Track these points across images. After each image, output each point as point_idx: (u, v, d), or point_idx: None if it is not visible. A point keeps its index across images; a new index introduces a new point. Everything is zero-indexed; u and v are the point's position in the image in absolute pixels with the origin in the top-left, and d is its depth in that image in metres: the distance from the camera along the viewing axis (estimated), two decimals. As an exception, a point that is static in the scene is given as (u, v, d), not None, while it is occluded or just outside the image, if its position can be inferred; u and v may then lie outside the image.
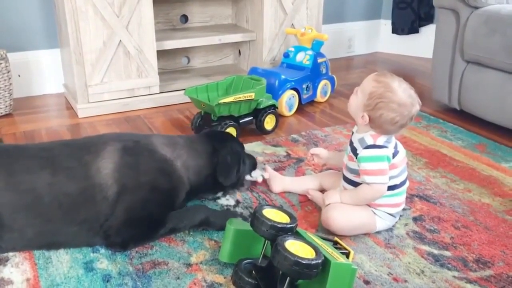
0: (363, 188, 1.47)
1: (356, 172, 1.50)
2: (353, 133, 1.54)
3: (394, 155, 1.46)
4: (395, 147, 1.48)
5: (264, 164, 1.93)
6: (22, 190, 1.35)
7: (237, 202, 1.68)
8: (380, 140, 1.45)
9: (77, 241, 1.41)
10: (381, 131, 1.45)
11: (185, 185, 1.53)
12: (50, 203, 1.35)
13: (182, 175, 1.53)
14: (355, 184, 1.52)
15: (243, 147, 1.75)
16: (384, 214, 1.51)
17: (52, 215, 1.35)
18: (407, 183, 1.55)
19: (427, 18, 3.52)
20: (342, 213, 1.47)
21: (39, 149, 1.47)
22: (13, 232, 1.35)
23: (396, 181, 1.49)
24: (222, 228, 1.44)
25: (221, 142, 1.65)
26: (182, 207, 1.57)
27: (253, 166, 1.76)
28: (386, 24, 3.74)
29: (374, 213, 1.50)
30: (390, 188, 1.48)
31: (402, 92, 1.42)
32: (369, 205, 1.50)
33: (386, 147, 1.45)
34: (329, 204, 1.51)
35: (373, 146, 1.44)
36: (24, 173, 1.37)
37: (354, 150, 1.49)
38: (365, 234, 1.51)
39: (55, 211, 1.36)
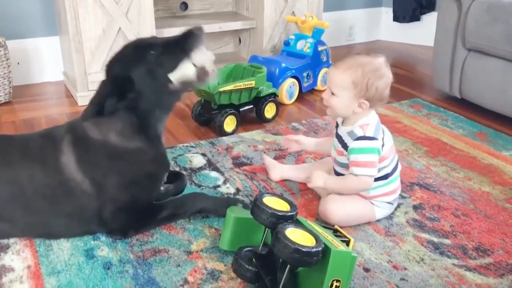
0: (349, 178, 1.45)
1: (345, 166, 1.48)
2: (337, 125, 1.52)
3: (382, 147, 1.45)
4: (383, 138, 1.46)
5: (265, 152, 1.94)
6: (6, 181, 1.35)
7: (237, 190, 1.68)
8: (370, 131, 1.43)
9: (72, 232, 1.41)
10: (381, 103, 1.46)
11: (137, 150, 1.41)
12: (33, 196, 1.35)
13: (124, 145, 1.40)
14: None
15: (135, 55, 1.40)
16: (382, 203, 1.51)
17: (38, 207, 1.36)
18: (399, 167, 1.54)
19: (429, 5, 3.49)
20: (340, 206, 1.46)
21: (20, 140, 1.45)
22: (5, 222, 1.36)
23: (388, 170, 1.48)
24: (222, 215, 1.44)
25: (117, 82, 1.37)
26: (183, 181, 1.60)
27: (188, 41, 1.39)
28: (387, 12, 3.71)
29: (372, 203, 1.50)
30: (383, 177, 1.47)
31: (371, 58, 1.44)
32: (365, 197, 1.49)
33: (376, 138, 1.43)
34: (314, 186, 1.51)
35: (364, 138, 1.43)
36: (7, 165, 1.37)
37: (344, 144, 1.46)
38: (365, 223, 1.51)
39: (40, 203, 1.35)
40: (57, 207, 1.37)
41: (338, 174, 1.53)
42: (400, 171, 1.55)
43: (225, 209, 1.37)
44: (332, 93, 1.44)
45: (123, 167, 1.41)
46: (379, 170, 1.45)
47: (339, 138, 1.49)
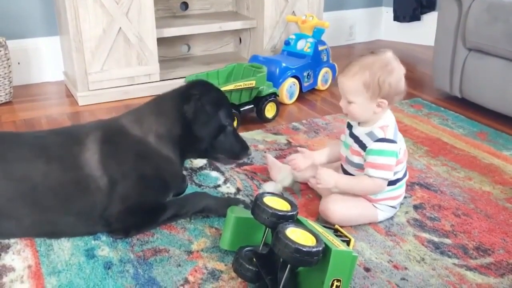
0: (363, 179, 1.44)
1: (359, 166, 1.47)
2: (350, 125, 1.51)
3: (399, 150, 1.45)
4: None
5: (265, 152, 1.93)
6: (17, 178, 1.35)
7: (238, 190, 1.68)
8: (390, 133, 1.42)
9: (76, 231, 1.41)
10: (399, 97, 1.43)
11: (167, 158, 1.46)
12: (45, 193, 1.35)
13: (159, 148, 1.45)
14: None
15: (224, 97, 1.55)
16: (385, 207, 1.50)
17: (48, 205, 1.36)
18: (407, 174, 1.54)
19: (429, 5, 3.49)
20: (342, 207, 1.46)
21: (33, 137, 1.46)
22: (10, 220, 1.36)
23: (400, 175, 1.48)
24: (223, 215, 1.44)
25: (192, 90, 1.48)
26: (185, 182, 1.61)
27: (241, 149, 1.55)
28: (387, 12, 3.71)
29: (375, 207, 1.49)
30: (394, 182, 1.47)
31: (377, 56, 1.41)
32: (369, 200, 1.49)
33: (395, 142, 1.42)
34: (321, 187, 1.48)
35: (385, 140, 1.41)
36: (19, 161, 1.37)
37: (362, 144, 1.44)
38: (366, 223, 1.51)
39: (50, 200, 1.36)
40: (68, 205, 1.37)
41: (348, 174, 1.52)
42: (401, 171, 1.55)
43: (226, 209, 1.38)
44: (348, 101, 1.43)
45: (148, 169, 1.43)
46: (393, 174, 1.44)
47: (355, 138, 1.47)
